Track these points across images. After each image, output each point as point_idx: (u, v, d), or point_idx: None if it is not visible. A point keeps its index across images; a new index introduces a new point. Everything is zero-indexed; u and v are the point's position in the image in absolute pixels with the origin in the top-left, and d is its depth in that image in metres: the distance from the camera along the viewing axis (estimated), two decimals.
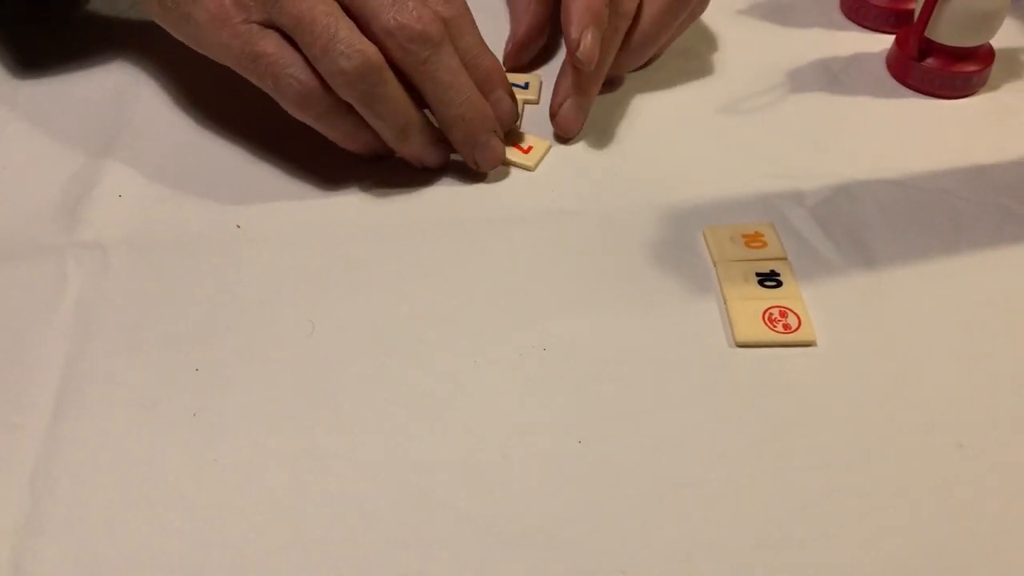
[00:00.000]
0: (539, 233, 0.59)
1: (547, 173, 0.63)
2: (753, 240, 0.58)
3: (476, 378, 0.52)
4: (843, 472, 0.48)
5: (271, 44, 0.55)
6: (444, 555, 0.45)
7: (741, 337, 0.53)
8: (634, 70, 0.69)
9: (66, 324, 0.54)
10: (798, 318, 0.54)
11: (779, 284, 0.56)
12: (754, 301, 0.55)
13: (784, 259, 0.57)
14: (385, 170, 0.62)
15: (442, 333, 0.54)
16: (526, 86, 0.68)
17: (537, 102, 0.68)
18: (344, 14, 0.54)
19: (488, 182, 0.62)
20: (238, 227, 0.59)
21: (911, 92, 0.69)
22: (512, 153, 0.63)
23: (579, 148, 0.65)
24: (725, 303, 0.55)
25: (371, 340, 0.53)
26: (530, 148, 0.63)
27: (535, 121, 0.66)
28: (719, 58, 0.72)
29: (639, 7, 0.63)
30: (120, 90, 0.68)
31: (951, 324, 0.54)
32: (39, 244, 0.58)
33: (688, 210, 0.61)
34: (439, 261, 0.57)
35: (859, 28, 0.75)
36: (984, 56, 0.68)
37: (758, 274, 0.56)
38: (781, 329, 0.53)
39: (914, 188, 0.62)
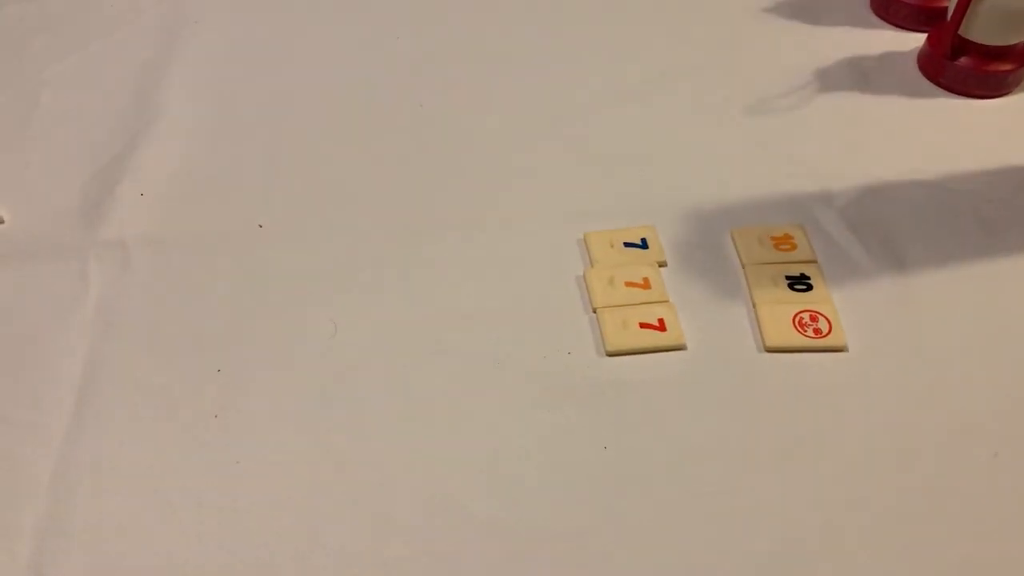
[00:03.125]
0: (564, 235, 0.58)
1: (573, 173, 0.62)
2: (782, 242, 0.57)
3: (499, 380, 0.51)
4: (874, 481, 0.47)
5: None
6: (465, 560, 0.45)
7: (771, 342, 0.52)
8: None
9: (87, 323, 0.54)
10: (828, 323, 0.53)
11: (809, 288, 0.55)
12: (784, 305, 0.54)
13: (814, 262, 0.56)
14: (408, 171, 0.62)
15: (465, 335, 0.53)
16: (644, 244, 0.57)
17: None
18: None
19: (512, 182, 0.61)
20: (260, 226, 0.59)
21: (943, 92, 0.68)
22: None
23: (606, 148, 0.64)
24: (754, 307, 0.54)
25: (394, 341, 0.53)
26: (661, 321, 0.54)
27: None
28: (746, 57, 0.71)
29: None
30: (143, 89, 0.68)
31: (983, 330, 0.53)
32: (61, 243, 0.58)
33: (715, 211, 0.60)
34: (462, 262, 0.57)
35: (890, 26, 0.74)
36: (1019, 54, 0.67)
37: (788, 277, 0.55)
38: (811, 334, 0.52)
39: (945, 190, 0.61)
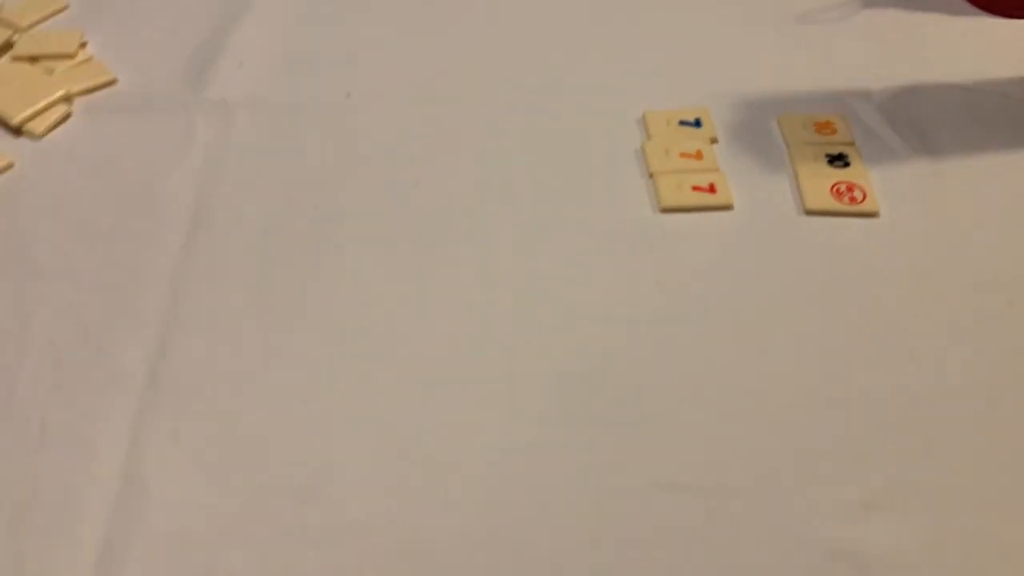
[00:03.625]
0: (625, 114, 0.64)
1: (636, 62, 0.68)
2: (824, 127, 0.62)
3: (564, 233, 0.57)
4: (898, 322, 0.53)
5: None
6: (536, 380, 0.51)
7: (810, 205, 0.58)
8: None
9: (196, 170, 0.60)
10: (863, 192, 0.58)
11: (847, 164, 0.60)
12: (823, 177, 0.59)
13: (852, 144, 0.61)
14: (485, 54, 0.68)
15: (535, 194, 0.59)
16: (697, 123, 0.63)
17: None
18: None
19: (579, 67, 0.67)
20: (348, 95, 0.65)
21: (982, 12, 0.73)
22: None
23: (668, 44, 0.69)
24: (796, 178, 0.59)
25: (470, 197, 0.59)
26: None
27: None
28: None
29: None
30: None
31: (1004, 204, 0.58)
32: (170, 101, 0.65)
33: (763, 101, 0.65)
34: (533, 133, 0.62)
35: None
36: None
37: (828, 155, 0.61)
38: (847, 201, 0.58)
39: (977, 92, 0.66)
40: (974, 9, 0.73)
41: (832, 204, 0.58)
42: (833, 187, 0.59)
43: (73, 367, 0.51)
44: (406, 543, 0.44)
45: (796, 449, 0.48)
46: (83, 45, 0.69)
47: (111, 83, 0.66)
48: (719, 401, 0.49)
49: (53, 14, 0.72)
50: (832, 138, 0.62)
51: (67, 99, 0.65)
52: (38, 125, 0.63)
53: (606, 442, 0.48)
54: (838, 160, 0.60)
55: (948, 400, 0.49)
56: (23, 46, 0.68)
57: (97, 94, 0.65)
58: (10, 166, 0.61)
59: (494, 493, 0.46)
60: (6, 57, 0.68)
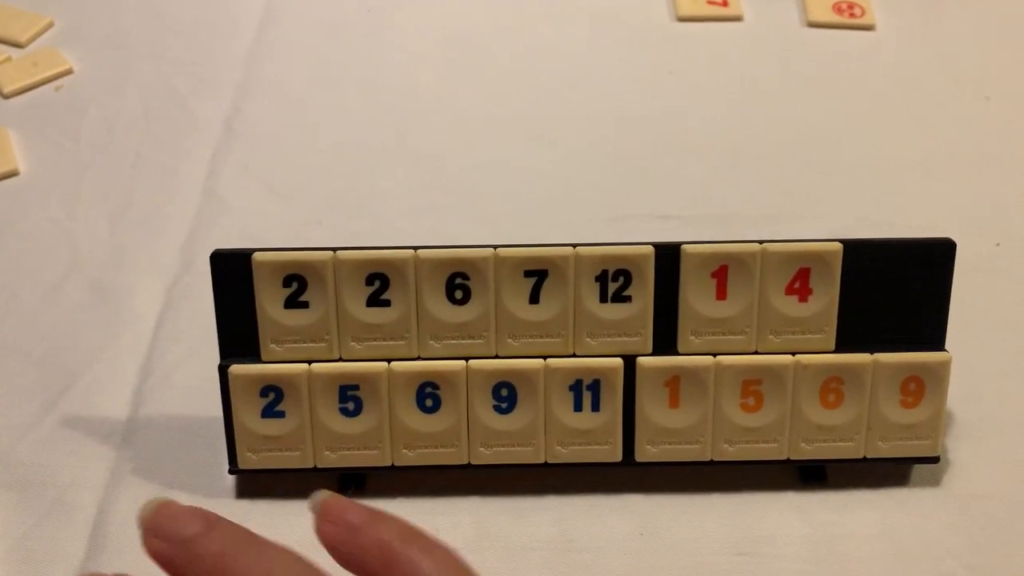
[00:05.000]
0: None
1: None
2: None
3: (591, 31, 0.65)
4: (887, 120, 0.59)
5: None
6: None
7: (813, 17, 0.64)
8: None
9: None
10: (862, 9, 0.65)
11: None
12: None
13: None
14: None
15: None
16: None
17: None
18: None
19: None
20: None
21: None
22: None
23: None
24: None
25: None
26: None
27: None
28: None
29: None
30: None
31: (994, 24, 0.65)
32: None
33: None
34: None
35: None
36: None
37: None
38: (847, 16, 0.64)
39: None
40: None
41: (833, 18, 0.64)
42: (835, 5, 0.65)
43: (161, 118, 0.59)
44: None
45: (774, 192, 0.55)
46: None
47: None
48: (713, 156, 0.57)
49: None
50: None
51: None
52: None
53: (615, 181, 0.56)
54: None
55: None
56: None
57: None
58: None
59: (519, 213, 0.54)
60: None
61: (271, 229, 0.53)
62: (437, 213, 0.54)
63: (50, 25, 0.65)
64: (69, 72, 0.62)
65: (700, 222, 0.53)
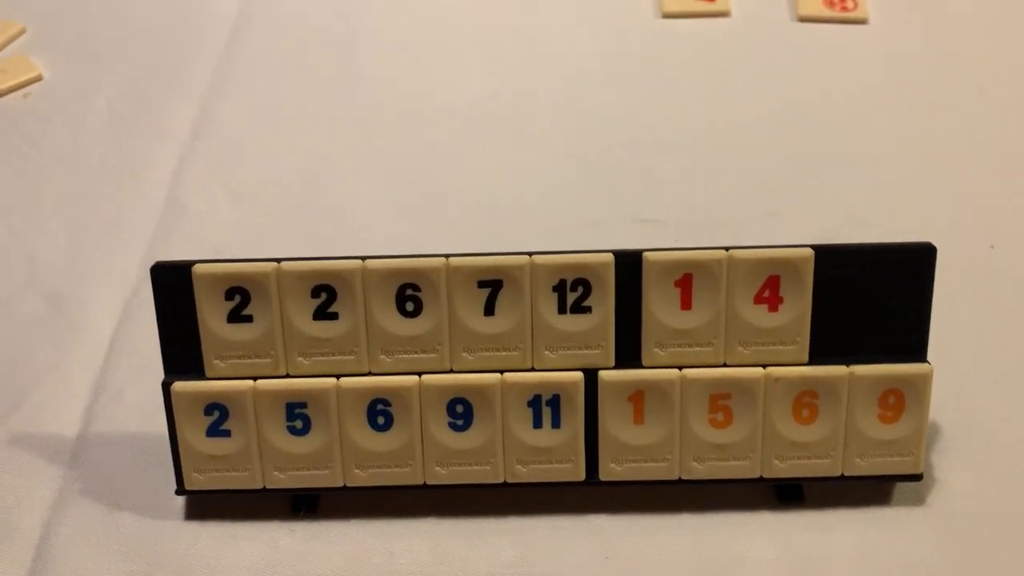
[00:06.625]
0: None
1: None
2: None
3: (581, 25, 0.63)
4: (878, 121, 0.57)
5: None
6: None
7: (803, 11, 0.62)
8: None
9: None
10: (855, 2, 0.62)
11: None
12: None
13: None
14: None
15: None
16: None
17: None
18: None
19: None
20: None
21: None
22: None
23: None
24: None
25: None
26: None
27: None
28: None
29: None
30: None
31: (989, 18, 0.62)
32: None
33: None
34: None
35: None
36: None
37: None
38: (839, 10, 0.62)
39: None
40: None
41: (823, 11, 0.62)
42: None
43: (128, 124, 0.58)
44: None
45: (753, 193, 0.53)
46: None
47: None
48: (700, 157, 0.55)
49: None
50: None
51: None
52: None
53: (595, 184, 0.54)
54: None
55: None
56: None
57: None
58: None
59: (494, 218, 0.52)
60: None
61: (235, 239, 0.51)
62: (408, 220, 0.52)
63: (22, 32, 0.64)
64: (39, 79, 0.61)
65: (683, 226, 0.51)
